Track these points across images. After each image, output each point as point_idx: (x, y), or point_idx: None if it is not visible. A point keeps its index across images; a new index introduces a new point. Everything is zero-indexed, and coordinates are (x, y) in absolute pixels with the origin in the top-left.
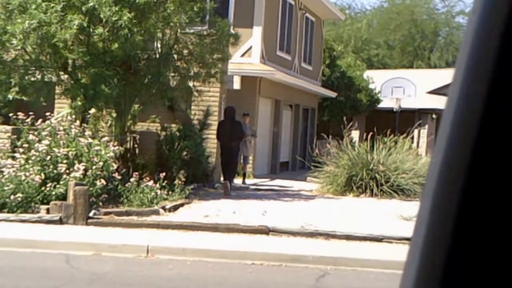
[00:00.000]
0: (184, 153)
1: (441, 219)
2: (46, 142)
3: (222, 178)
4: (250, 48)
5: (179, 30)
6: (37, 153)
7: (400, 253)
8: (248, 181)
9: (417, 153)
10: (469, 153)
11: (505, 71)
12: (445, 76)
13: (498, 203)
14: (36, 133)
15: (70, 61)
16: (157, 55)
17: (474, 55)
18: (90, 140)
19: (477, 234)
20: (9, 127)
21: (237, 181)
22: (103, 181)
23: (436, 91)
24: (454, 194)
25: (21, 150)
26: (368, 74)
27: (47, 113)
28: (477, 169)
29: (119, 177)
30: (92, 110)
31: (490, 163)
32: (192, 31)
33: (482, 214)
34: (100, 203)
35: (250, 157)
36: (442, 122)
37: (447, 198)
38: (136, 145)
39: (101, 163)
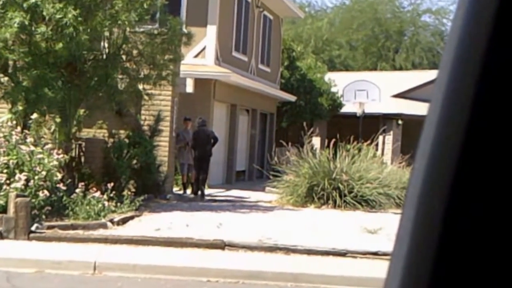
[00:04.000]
0: (134, 161)
1: (426, 229)
2: None
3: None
4: (204, 48)
5: (127, 29)
6: None
7: (365, 268)
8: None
9: (382, 161)
10: (456, 157)
11: (493, 70)
12: (411, 78)
13: (487, 211)
14: None
15: (10, 62)
16: (105, 56)
17: (460, 54)
18: (32, 147)
19: (465, 245)
20: None
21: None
22: (46, 192)
23: (402, 95)
24: (440, 202)
25: None
26: (330, 76)
27: None
28: (465, 175)
29: (64, 188)
30: (34, 115)
31: (478, 168)
32: (141, 30)
33: (470, 223)
34: (43, 216)
35: None
36: (426, 125)
37: (432, 206)
38: (82, 153)
39: (44, 173)
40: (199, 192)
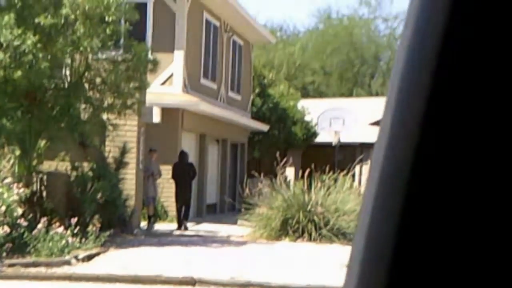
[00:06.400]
0: (99, 195)
1: (375, 261)
2: None
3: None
4: (171, 75)
5: (90, 56)
6: None
7: None
8: (172, 225)
9: (359, 193)
10: (405, 183)
11: (440, 104)
12: None
13: (439, 239)
14: None
15: None
16: (66, 84)
17: (406, 84)
18: None
19: (416, 274)
20: None
21: (160, 226)
22: (6, 228)
23: (379, 123)
24: (391, 229)
25: None
26: (303, 104)
27: None
28: (414, 203)
29: (25, 224)
30: None
31: (427, 196)
32: (105, 56)
33: (420, 253)
34: (4, 254)
35: (174, 200)
36: (375, 150)
37: (382, 232)
38: (43, 187)
39: (3, 208)
40: (182, 226)
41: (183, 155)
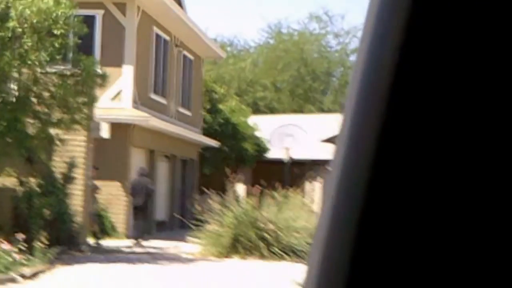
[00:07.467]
0: (46, 211)
1: (336, 257)
2: None
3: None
4: (121, 90)
5: (38, 69)
6: None
7: None
8: (120, 242)
9: (311, 210)
10: (362, 196)
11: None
12: (340, 121)
13: (397, 240)
14: None
15: None
16: (13, 99)
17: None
18: None
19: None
20: None
21: (109, 242)
22: None
23: (331, 139)
24: (351, 227)
25: None
26: (254, 120)
27: None
28: (375, 204)
29: None
30: None
31: (382, 212)
32: (53, 70)
33: (380, 252)
34: None
35: (123, 216)
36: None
37: (342, 230)
38: None
39: None
40: (137, 241)
41: (142, 171)
